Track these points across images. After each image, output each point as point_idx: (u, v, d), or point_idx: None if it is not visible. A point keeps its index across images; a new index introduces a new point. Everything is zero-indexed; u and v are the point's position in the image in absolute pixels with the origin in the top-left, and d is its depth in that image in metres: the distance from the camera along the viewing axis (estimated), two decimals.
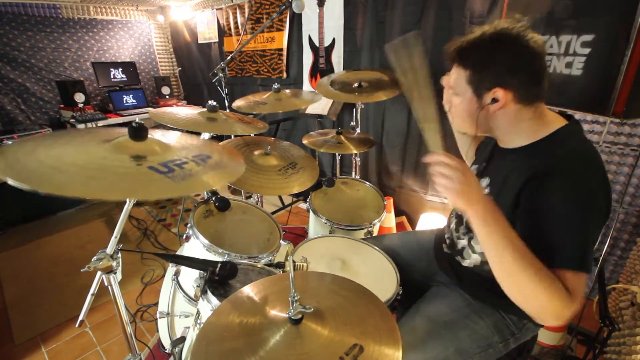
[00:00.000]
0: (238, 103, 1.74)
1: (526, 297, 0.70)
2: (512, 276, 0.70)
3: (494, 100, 0.81)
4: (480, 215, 0.71)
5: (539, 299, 0.68)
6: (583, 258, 0.71)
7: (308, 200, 1.66)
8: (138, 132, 0.82)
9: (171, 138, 0.96)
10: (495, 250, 0.72)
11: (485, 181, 0.94)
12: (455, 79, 0.87)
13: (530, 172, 0.77)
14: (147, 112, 3.54)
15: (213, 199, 1.34)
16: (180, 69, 4.45)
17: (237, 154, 1.06)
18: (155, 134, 0.92)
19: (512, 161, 0.87)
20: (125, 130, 0.84)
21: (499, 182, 0.89)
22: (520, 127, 0.85)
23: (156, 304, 1.88)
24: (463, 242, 1.02)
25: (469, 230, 1.00)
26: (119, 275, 0.92)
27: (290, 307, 0.65)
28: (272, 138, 1.85)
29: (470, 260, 0.99)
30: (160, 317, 1.30)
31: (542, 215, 0.75)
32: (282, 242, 1.33)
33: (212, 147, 1.01)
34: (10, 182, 0.59)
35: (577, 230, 0.72)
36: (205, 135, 1.41)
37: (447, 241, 1.10)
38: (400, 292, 1.07)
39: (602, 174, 0.76)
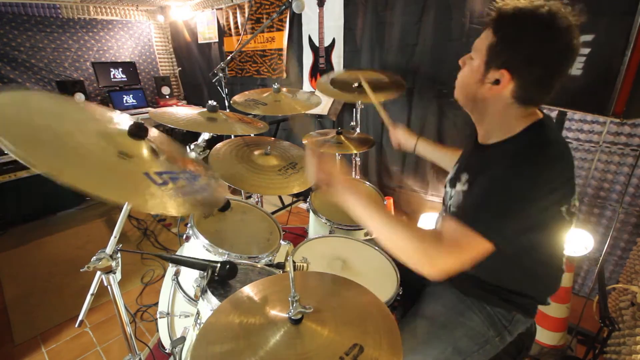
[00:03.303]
0: (237, 99, 1.74)
1: (401, 249, 0.77)
2: (386, 235, 0.80)
3: (496, 82, 0.79)
4: (340, 195, 0.84)
5: (411, 246, 0.75)
6: (484, 222, 0.72)
7: (308, 200, 1.66)
8: (138, 132, 0.82)
9: (158, 141, 0.91)
10: (363, 219, 0.82)
11: (464, 176, 0.94)
12: (481, 41, 0.82)
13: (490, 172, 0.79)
14: (147, 112, 3.54)
15: None
16: (180, 69, 4.44)
17: (220, 184, 1.01)
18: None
19: (487, 157, 0.87)
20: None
21: (476, 178, 0.89)
22: (503, 122, 0.84)
23: (156, 304, 1.88)
24: None
25: None
26: (118, 275, 0.92)
27: (290, 307, 0.65)
28: (272, 138, 1.84)
29: None
30: (160, 317, 1.30)
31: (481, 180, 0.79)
32: (282, 242, 1.33)
33: (199, 168, 0.97)
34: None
35: (487, 192, 0.75)
36: (205, 135, 1.41)
37: None
38: (400, 293, 1.07)
39: (560, 167, 0.77)
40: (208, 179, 0.93)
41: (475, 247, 0.72)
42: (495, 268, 0.91)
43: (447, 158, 1.27)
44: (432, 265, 0.73)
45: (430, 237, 0.76)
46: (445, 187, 1.08)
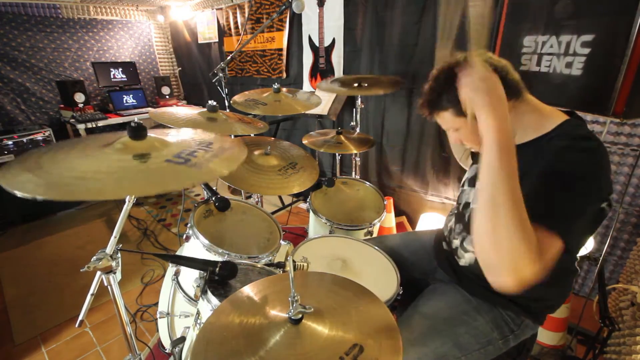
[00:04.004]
0: (237, 99, 1.74)
1: (498, 239, 0.63)
2: (497, 211, 0.63)
3: None
4: (501, 127, 0.67)
5: (512, 243, 0.62)
6: (561, 221, 0.68)
7: (308, 200, 1.66)
8: (137, 132, 0.82)
9: (168, 135, 0.95)
10: (494, 175, 0.66)
11: None
12: (446, 122, 0.90)
13: (538, 169, 0.76)
14: (147, 112, 3.54)
15: (213, 199, 1.34)
16: (180, 69, 4.45)
17: (231, 139, 1.04)
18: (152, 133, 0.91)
19: (519, 157, 0.86)
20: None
21: None
22: (523, 122, 0.85)
23: (156, 304, 1.88)
24: (456, 242, 1.03)
25: (462, 230, 1.01)
26: (118, 275, 0.92)
27: (290, 307, 0.65)
28: (272, 138, 1.85)
29: (465, 259, 1.00)
30: (160, 317, 1.30)
31: (537, 177, 0.74)
32: (282, 242, 1.33)
33: (208, 135, 1.01)
34: (40, 198, 0.58)
35: (565, 194, 0.70)
36: None
37: (446, 239, 1.11)
38: (400, 293, 1.07)
39: (605, 164, 0.75)
40: (220, 142, 0.96)
41: (553, 248, 0.66)
42: None
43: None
44: (520, 275, 0.62)
45: (535, 244, 0.64)
46: (462, 185, 1.09)
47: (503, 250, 0.63)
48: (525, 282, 0.62)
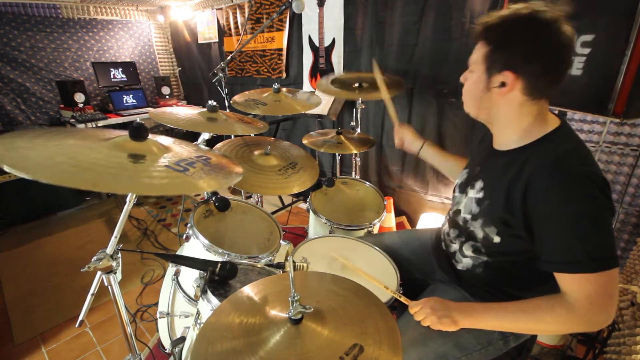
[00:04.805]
0: (237, 99, 1.73)
1: (547, 331, 0.84)
2: (525, 330, 0.86)
3: (502, 85, 0.80)
4: (466, 321, 0.86)
5: (556, 327, 0.78)
6: (584, 259, 0.71)
7: (308, 200, 1.66)
8: (138, 132, 0.82)
9: (166, 141, 0.96)
10: (498, 327, 0.86)
11: (479, 184, 0.94)
12: (476, 55, 0.85)
13: (527, 178, 0.78)
14: (147, 112, 3.53)
15: (213, 199, 1.34)
16: (180, 69, 4.44)
17: (228, 160, 1.07)
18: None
19: (507, 165, 0.86)
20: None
21: (493, 186, 0.89)
22: (519, 124, 0.84)
23: (156, 304, 1.88)
24: (455, 246, 1.02)
25: (459, 235, 1.01)
26: (118, 275, 0.92)
27: (290, 307, 0.65)
28: (272, 138, 1.85)
29: (463, 264, 0.99)
30: (160, 317, 1.30)
31: (542, 222, 0.76)
32: (282, 242, 1.33)
33: (206, 151, 1.03)
34: (44, 181, 0.59)
35: (575, 232, 0.73)
36: (205, 135, 1.41)
37: (444, 241, 1.10)
38: (400, 293, 1.07)
39: (596, 171, 0.76)
40: (217, 158, 0.98)
41: (613, 283, 0.72)
42: (515, 273, 0.91)
43: (451, 166, 1.26)
44: (598, 325, 0.74)
45: (564, 309, 0.75)
46: (453, 191, 1.08)
47: (560, 330, 0.81)
48: (609, 319, 0.73)
